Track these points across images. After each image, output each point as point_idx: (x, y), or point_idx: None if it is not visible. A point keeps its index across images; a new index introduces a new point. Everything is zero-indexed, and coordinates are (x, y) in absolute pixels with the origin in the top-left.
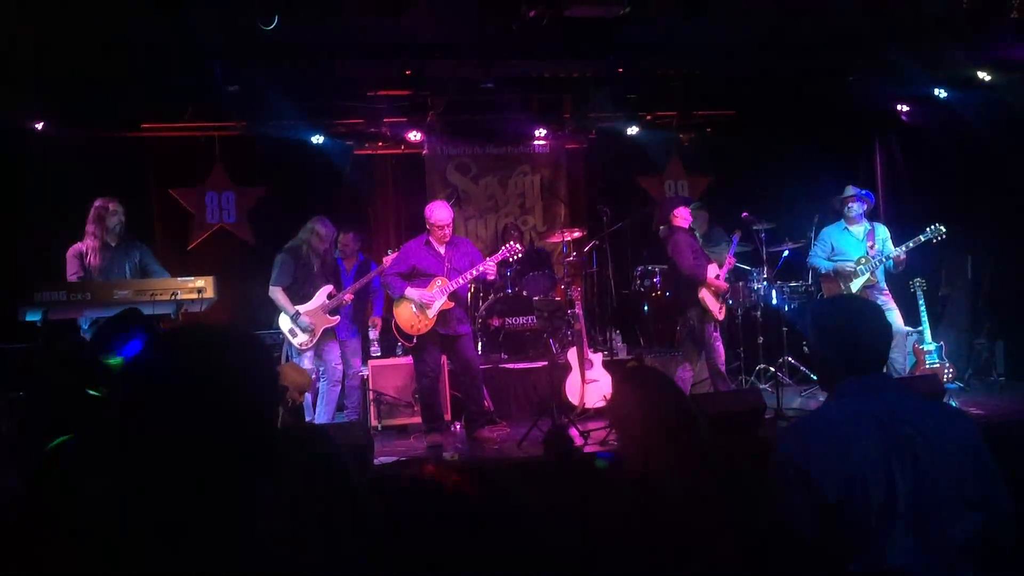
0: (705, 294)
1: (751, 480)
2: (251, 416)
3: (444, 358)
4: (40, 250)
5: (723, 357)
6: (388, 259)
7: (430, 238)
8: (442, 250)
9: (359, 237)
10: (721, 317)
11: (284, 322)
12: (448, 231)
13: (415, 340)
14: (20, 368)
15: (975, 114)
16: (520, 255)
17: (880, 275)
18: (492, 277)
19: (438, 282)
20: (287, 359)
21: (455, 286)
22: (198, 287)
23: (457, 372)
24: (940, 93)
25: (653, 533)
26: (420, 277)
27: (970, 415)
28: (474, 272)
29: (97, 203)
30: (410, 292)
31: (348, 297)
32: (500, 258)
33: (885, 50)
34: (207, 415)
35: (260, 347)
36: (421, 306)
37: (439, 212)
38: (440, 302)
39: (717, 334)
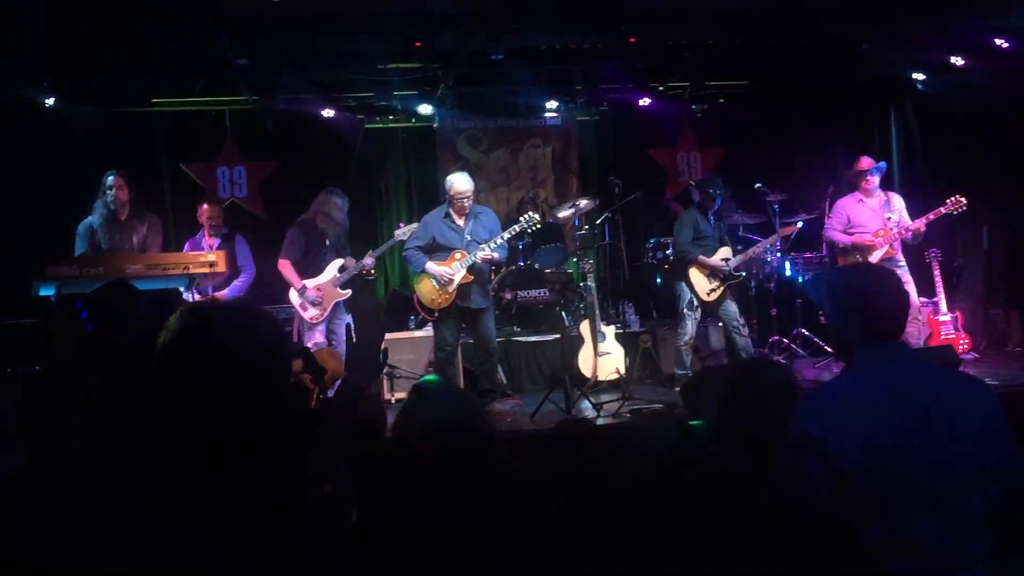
0: (695, 273)
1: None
2: (256, 393)
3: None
4: (51, 226)
5: (689, 337)
6: (400, 230)
7: (450, 209)
8: (462, 222)
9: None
10: (708, 298)
11: (294, 296)
12: (468, 202)
13: (436, 313)
14: (35, 342)
15: (991, 82)
16: (538, 225)
17: (898, 246)
18: (501, 257)
19: (457, 255)
20: (299, 333)
21: (474, 259)
22: (210, 261)
23: (474, 346)
24: (956, 61)
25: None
26: (440, 250)
27: (988, 384)
28: (493, 244)
29: (108, 177)
30: (430, 267)
31: (369, 262)
32: (518, 230)
33: (900, 17)
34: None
35: (268, 325)
36: (441, 282)
37: (459, 183)
38: (460, 275)
39: (695, 314)
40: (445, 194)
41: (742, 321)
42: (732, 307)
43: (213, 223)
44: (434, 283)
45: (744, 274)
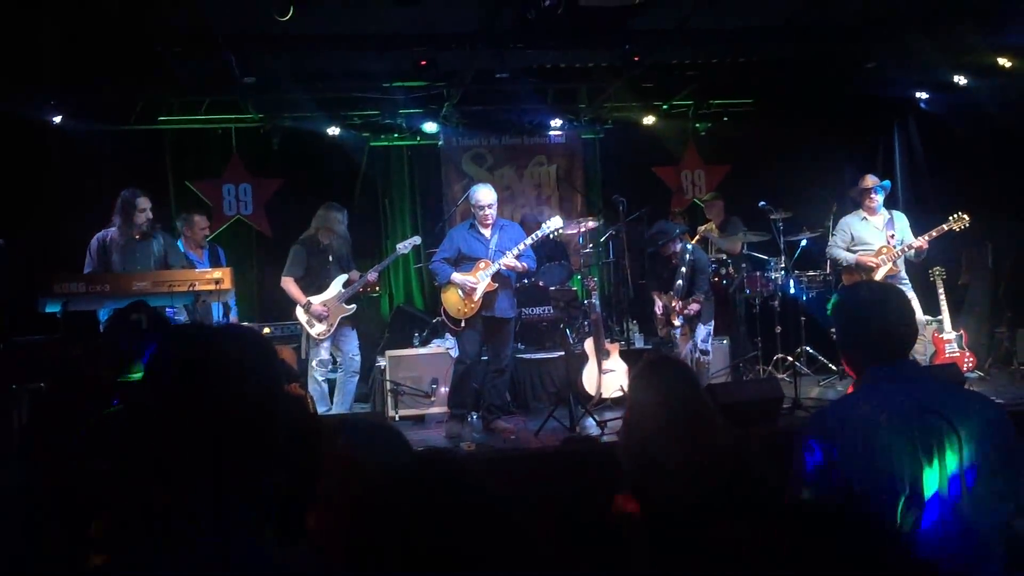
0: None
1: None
2: (246, 411)
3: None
4: (58, 243)
5: (683, 354)
6: (402, 245)
7: (475, 221)
8: (487, 233)
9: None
10: (661, 333)
11: (301, 313)
12: (491, 211)
13: (463, 323)
14: (42, 359)
15: (995, 101)
16: (560, 230)
17: (901, 264)
18: (531, 267)
19: (481, 264)
20: (306, 351)
21: (498, 267)
22: (216, 278)
23: (488, 359)
24: (960, 80)
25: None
26: (466, 262)
27: (998, 403)
28: (516, 251)
29: (124, 193)
30: (455, 278)
31: (372, 277)
32: (541, 236)
33: (904, 36)
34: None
35: (256, 343)
36: (465, 291)
37: (480, 192)
38: (484, 284)
39: (681, 330)
40: (471, 207)
41: (704, 347)
42: (701, 330)
43: (206, 235)
44: (459, 293)
45: (678, 321)
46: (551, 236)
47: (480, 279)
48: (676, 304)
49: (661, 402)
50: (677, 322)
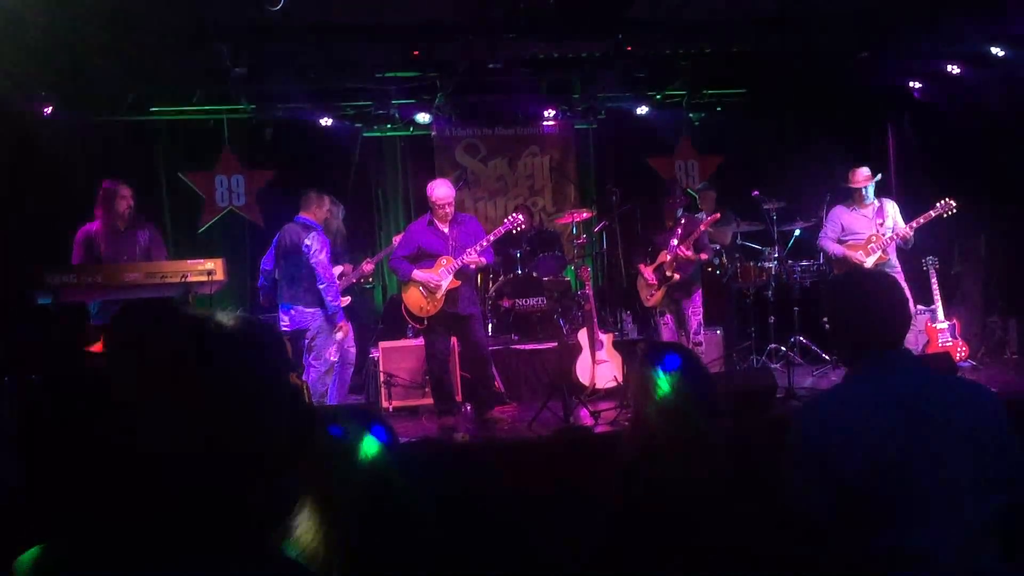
0: (638, 281)
1: (763, 461)
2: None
3: (454, 339)
4: (49, 234)
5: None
6: (398, 238)
7: (433, 218)
8: (446, 229)
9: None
10: (649, 304)
11: None
12: (450, 209)
13: (426, 322)
14: (33, 352)
15: (989, 91)
16: (523, 227)
17: (892, 252)
18: (488, 260)
19: (443, 261)
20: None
21: (460, 264)
22: (208, 269)
23: (466, 354)
24: (953, 70)
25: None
26: (426, 258)
27: (993, 392)
28: (477, 249)
29: (105, 185)
30: (417, 275)
31: (368, 268)
32: (504, 230)
33: (897, 27)
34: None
35: (266, 343)
36: (429, 288)
37: (439, 190)
38: (447, 281)
39: (664, 319)
40: (429, 204)
41: (699, 339)
42: (692, 322)
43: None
44: (422, 290)
45: (677, 276)
46: (514, 232)
47: (443, 275)
48: (675, 251)
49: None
50: (677, 276)
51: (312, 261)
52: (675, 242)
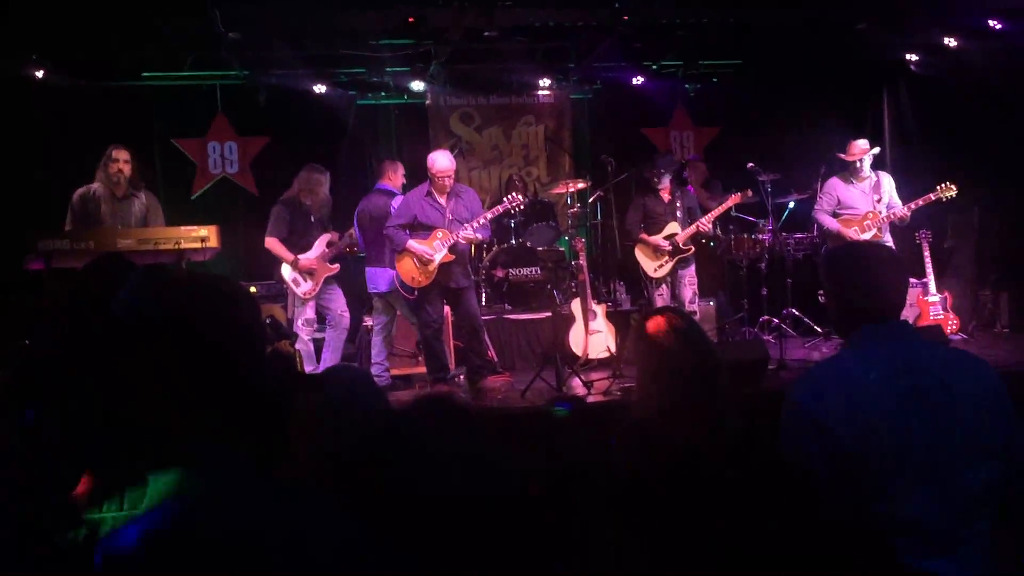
0: (640, 252)
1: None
2: (221, 366)
3: (447, 308)
4: (42, 200)
5: None
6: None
7: (431, 188)
8: (443, 200)
9: None
10: (656, 275)
11: (286, 271)
12: (449, 182)
13: (416, 293)
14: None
15: (985, 63)
16: (521, 207)
17: (885, 229)
18: (484, 237)
19: (439, 234)
20: (291, 311)
21: (456, 239)
22: (201, 236)
23: (459, 324)
24: (950, 42)
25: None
26: (422, 229)
27: (988, 362)
28: (474, 226)
29: (112, 150)
30: (412, 246)
31: (354, 232)
32: (502, 209)
33: None
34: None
35: (236, 297)
36: (422, 260)
37: (441, 161)
38: (441, 255)
39: (659, 291)
40: (428, 172)
41: (694, 308)
42: (687, 291)
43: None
44: (415, 261)
45: (693, 248)
46: (512, 212)
47: (436, 249)
48: (703, 226)
49: (678, 347)
50: (692, 248)
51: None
52: (676, 215)
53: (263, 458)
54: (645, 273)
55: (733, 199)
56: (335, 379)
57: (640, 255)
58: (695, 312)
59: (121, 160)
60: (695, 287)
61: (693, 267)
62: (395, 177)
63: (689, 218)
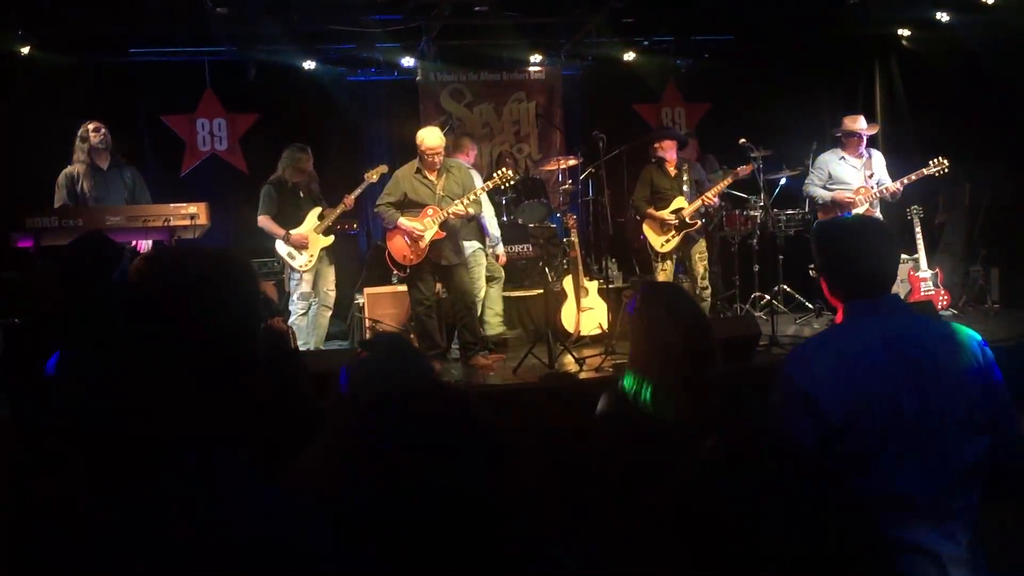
0: (647, 228)
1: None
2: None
3: (438, 285)
4: (29, 177)
5: None
6: (369, 173)
7: (420, 165)
8: (434, 177)
9: None
10: (663, 250)
11: (281, 247)
12: (438, 158)
13: (408, 271)
14: (14, 293)
15: (977, 38)
16: (512, 182)
17: (876, 205)
18: (476, 213)
19: (429, 211)
20: (288, 287)
21: (446, 215)
22: (191, 213)
23: (451, 301)
24: (942, 17)
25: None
26: (413, 206)
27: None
28: (465, 201)
29: (82, 126)
30: (402, 223)
31: (349, 201)
32: (492, 185)
33: None
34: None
35: (238, 271)
36: (412, 238)
37: (430, 138)
38: (432, 232)
39: (662, 265)
40: (417, 149)
41: (704, 283)
42: (699, 267)
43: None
44: (406, 239)
45: (701, 222)
46: (503, 187)
47: (427, 226)
48: (712, 202)
49: (669, 317)
50: (699, 222)
51: None
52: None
53: (265, 454)
54: (652, 248)
55: (742, 170)
56: (381, 344)
57: (647, 230)
58: (707, 287)
59: (93, 130)
60: (706, 263)
61: (704, 242)
62: (471, 152)
63: (697, 192)
